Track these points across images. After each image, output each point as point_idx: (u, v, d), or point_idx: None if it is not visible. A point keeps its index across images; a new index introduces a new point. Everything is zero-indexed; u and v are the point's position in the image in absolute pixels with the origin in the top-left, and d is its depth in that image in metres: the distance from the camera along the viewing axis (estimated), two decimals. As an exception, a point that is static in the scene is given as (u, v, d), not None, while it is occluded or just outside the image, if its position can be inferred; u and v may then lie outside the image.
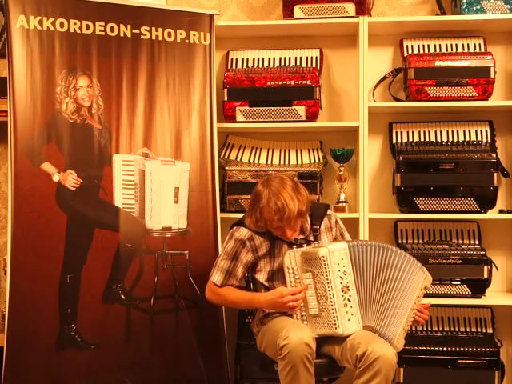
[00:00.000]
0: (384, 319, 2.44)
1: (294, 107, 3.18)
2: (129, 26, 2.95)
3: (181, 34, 3.05)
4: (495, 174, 3.11)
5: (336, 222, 2.74)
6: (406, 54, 3.31)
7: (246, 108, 3.20)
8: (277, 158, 3.34)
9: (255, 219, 2.53)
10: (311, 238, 2.62)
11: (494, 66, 3.16)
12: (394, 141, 3.34)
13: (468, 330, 3.22)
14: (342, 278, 2.38)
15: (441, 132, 3.32)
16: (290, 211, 2.43)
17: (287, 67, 3.31)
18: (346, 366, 2.46)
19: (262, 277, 2.62)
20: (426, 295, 3.08)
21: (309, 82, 3.17)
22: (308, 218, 2.64)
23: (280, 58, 3.40)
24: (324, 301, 2.38)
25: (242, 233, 2.63)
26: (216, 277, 2.63)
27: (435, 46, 3.34)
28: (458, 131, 3.32)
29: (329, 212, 2.73)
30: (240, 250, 2.62)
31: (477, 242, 3.27)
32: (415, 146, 3.25)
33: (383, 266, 2.45)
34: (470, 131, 3.31)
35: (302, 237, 2.61)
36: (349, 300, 2.38)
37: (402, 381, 3.06)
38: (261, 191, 2.52)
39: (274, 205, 2.44)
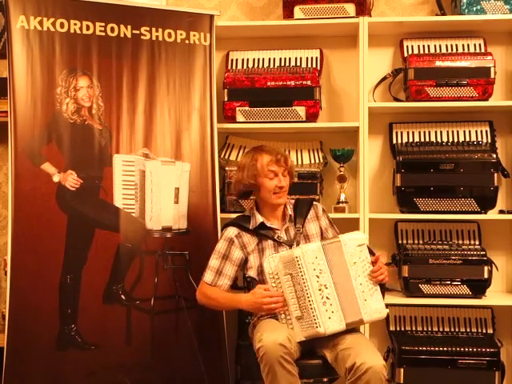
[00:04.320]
0: (350, 307, 2.42)
1: (294, 107, 3.18)
2: (129, 27, 2.95)
3: (181, 34, 3.05)
4: (495, 175, 3.11)
5: (323, 210, 2.78)
6: (406, 55, 3.31)
7: (246, 108, 3.20)
8: (277, 158, 3.33)
9: (242, 175, 2.68)
10: (295, 243, 2.64)
11: (494, 66, 3.16)
12: (395, 141, 3.34)
13: (468, 330, 3.22)
14: (318, 276, 2.38)
15: (441, 132, 3.32)
16: (287, 156, 2.69)
17: (287, 67, 3.31)
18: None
19: (253, 272, 2.65)
20: (428, 295, 3.11)
21: (309, 83, 3.17)
22: (290, 208, 2.71)
23: (280, 59, 3.40)
24: (303, 301, 2.39)
25: (230, 231, 2.69)
26: (207, 276, 2.67)
27: (435, 46, 3.34)
28: (458, 131, 3.31)
29: (314, 203, 2.79)
30: (229, 249, 2.66)
31: (477, 243, 3.27)
32: (415, 147, 3.25)
33: (336, 260, 2.44)
34: (470, 131, 3.31)
35: (286, 226, 2.67)
36: (327, 298, 2.38)
37: (402, 381, 3.06)
38: (254, 148, 2.76)
39: (273, 149, 2.70)
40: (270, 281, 2.47)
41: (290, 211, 2.71)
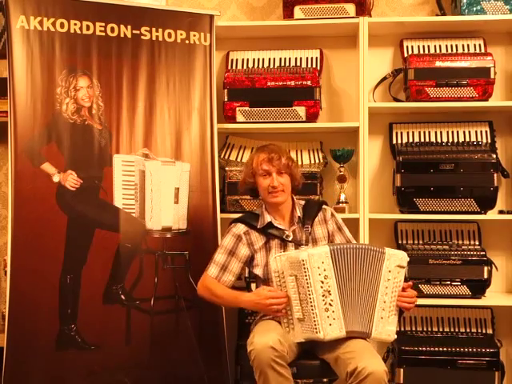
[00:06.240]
0: (358, 317, 2.41)
1: (294, 108, 3.18)
2: (129, 27, 2.95)
3: (181, 34, 3.05)
4: (495, 175, 3.11)
5: (332, 215, 2.75)
6: (406, 55, 3.31)
7: (246, 108, 3.20)
8: (277, 158, 3.33)
9: (244, 175, 2.74)
10: (303, 242, 2.64)
11: (494, 66, 3.16)
12: (394, 141, 3.34)
13: (468, 330, 3.22)
14: (322, 282, 2.34)
15: (441, 132, 3.32)
16: (280, 152, 2.65)
17: (287, 68, 3.31)
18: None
19: (259, 270, 2.64)
20: (428, 296, 3.11)
21: (309, 83, 3.17)
22: (299, 209, 2.69)
23: (280, 59, 3.40)
24: (306, 305, 2.36)
25: (239, 228, 2.67)
26: (211, 269, 2.64)
27: (435, 46, 3.34)
28: (458, 132, 3.32)
29: (324, 207, 2.76)
30: (236, 245, 2.65)
31: (477, 243, 3.27)
32: (415, 147, 3.25)
33: (361, 268, 2.41)
34: (470, 132, 3.31)
35: (294, 228, 2.66)
36: (330, 305, 2.34)
37: (402, 381, 3.06)
38: (259, 147, 2.80)
39: (266, 147, 2.69)
40: (275, 279, 2.46)
41: (298, 213, 2.68)
